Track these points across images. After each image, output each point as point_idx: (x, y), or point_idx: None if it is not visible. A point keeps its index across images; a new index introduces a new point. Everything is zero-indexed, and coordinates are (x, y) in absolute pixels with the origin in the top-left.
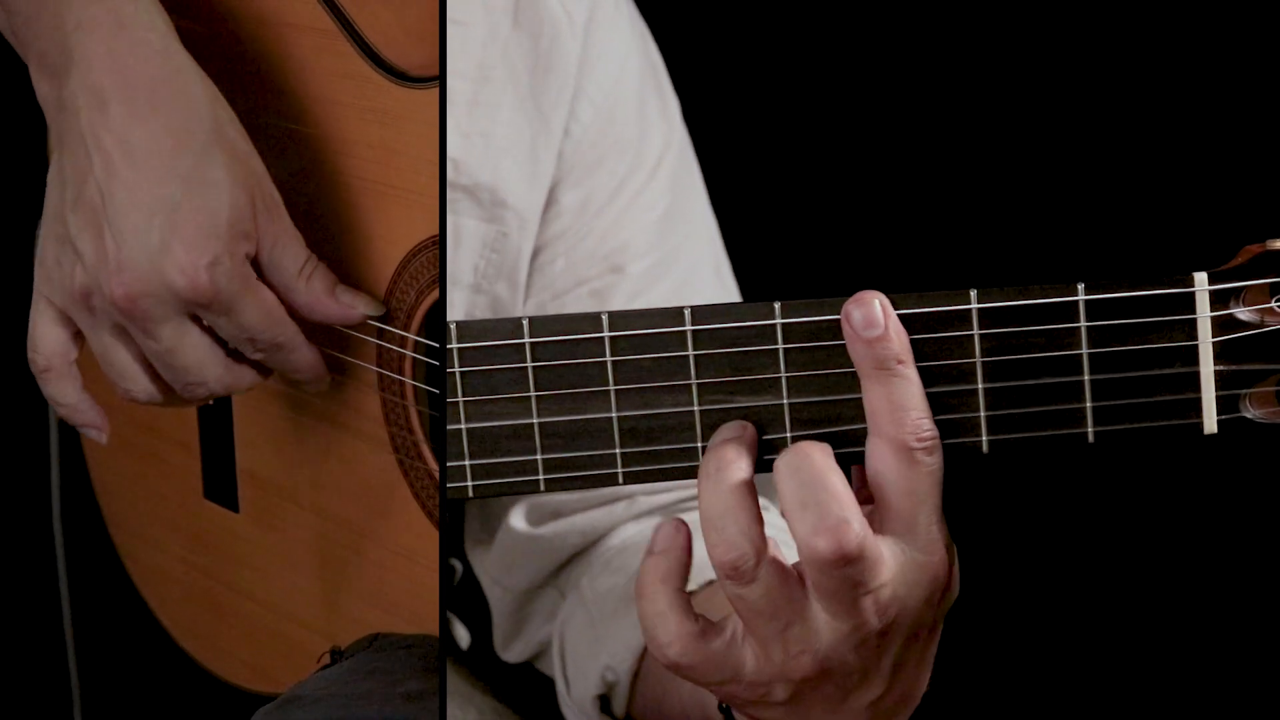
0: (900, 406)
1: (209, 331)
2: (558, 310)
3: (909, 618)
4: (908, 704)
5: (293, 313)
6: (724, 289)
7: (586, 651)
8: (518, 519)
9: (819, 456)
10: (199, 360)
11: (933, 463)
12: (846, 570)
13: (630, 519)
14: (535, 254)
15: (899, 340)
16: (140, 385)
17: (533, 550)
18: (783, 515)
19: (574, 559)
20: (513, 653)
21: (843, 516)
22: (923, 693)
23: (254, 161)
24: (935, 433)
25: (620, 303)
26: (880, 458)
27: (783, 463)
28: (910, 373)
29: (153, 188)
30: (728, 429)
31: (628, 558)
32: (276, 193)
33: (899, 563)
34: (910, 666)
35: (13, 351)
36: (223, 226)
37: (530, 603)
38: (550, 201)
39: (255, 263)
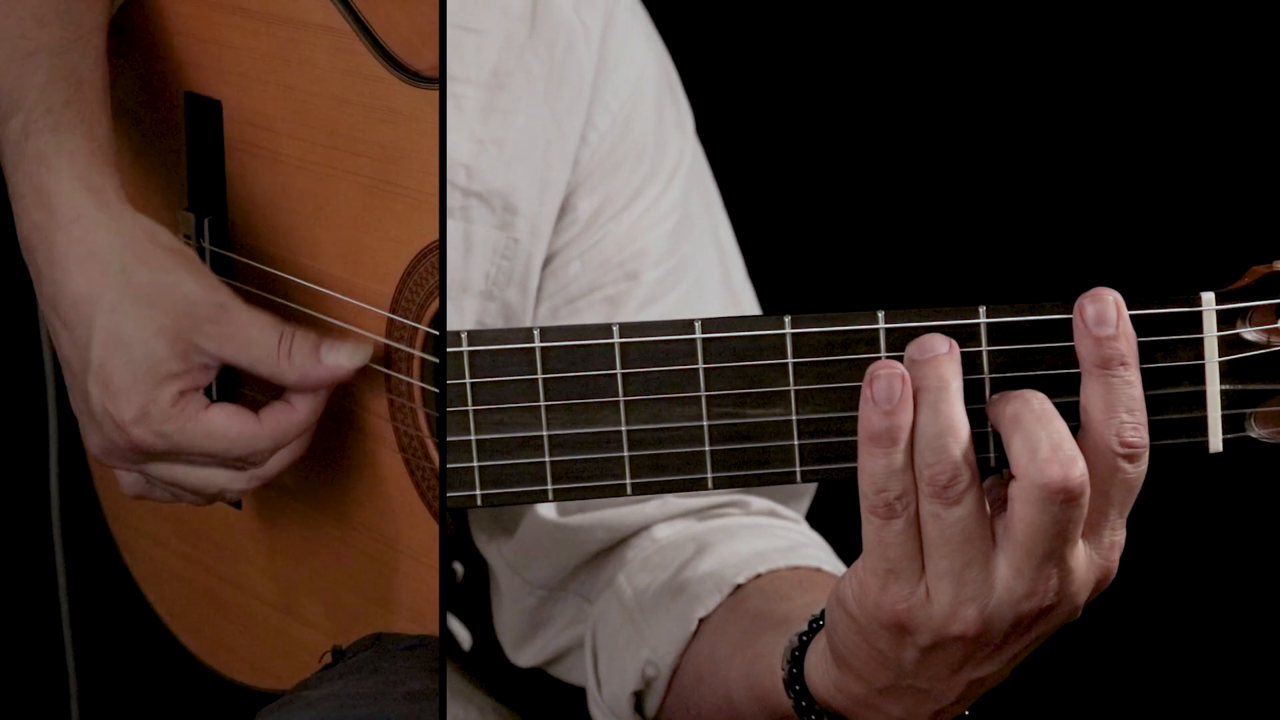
0: (1113, 407)
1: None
2: (571, 314)
3: (1066, 611)
4: (984, 689)
5: (292, 389)
6: (732, 299)
7: (625, 646)
8: (546, 509)
9: (1048, 401)
10: (203, 478)
11: (1132, 471)
12: (1061, 509)
13: (662, 520)
14: (550, 259)
15: (1127, 342)
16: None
17: (558, 540)
18: (1007, 451)
19: (597, 559)
20: (525, 656)
21: (1073, 454)
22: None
23: (176, 289)
24: (1145, 441)
25: (633, 309)
26: (1084, 455)
27: (1010, 403)
28: (1132, 376)
29: (80, 354)
30: (933, 342)
31: (667, 555)
32: (221, 295)
33: (1083, 557)
34: (1021, 656)
35: (11, 347)
36: (141, 378)
37: (549, 606)
38: (567, 208)
39: (228, 368)
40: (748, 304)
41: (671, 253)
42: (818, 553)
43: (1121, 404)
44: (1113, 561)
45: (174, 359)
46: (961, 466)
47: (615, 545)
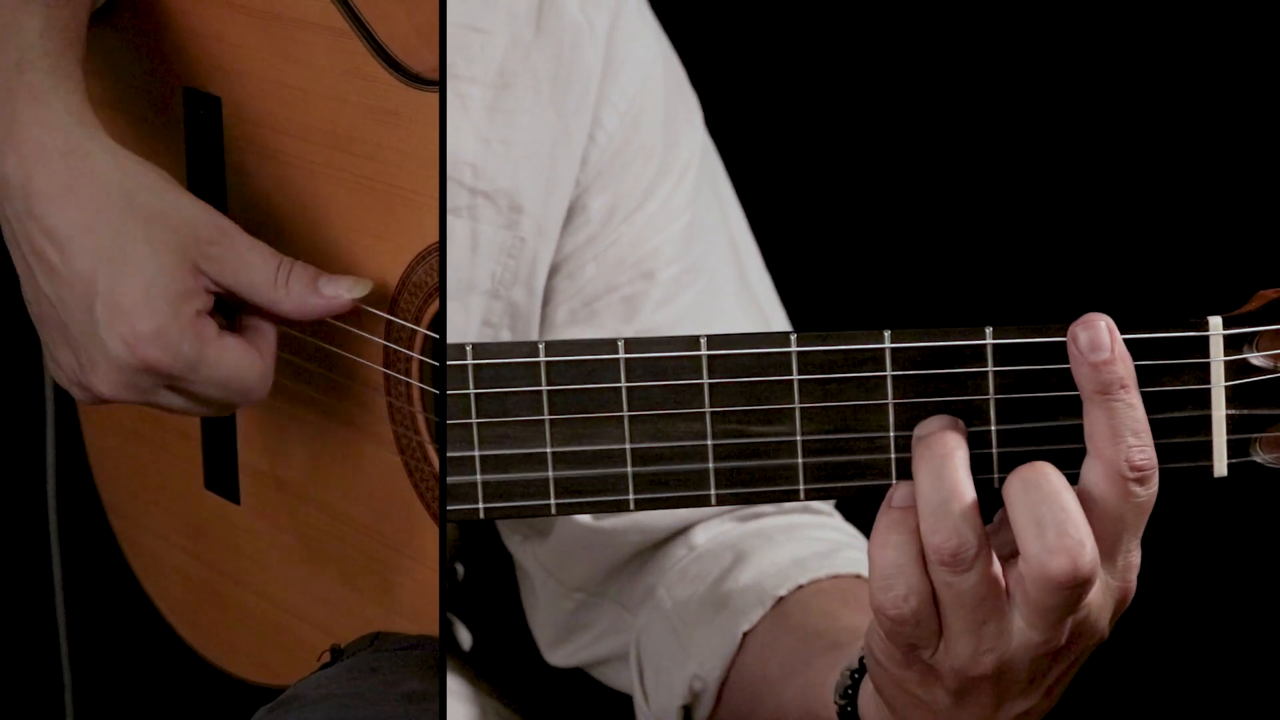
0: (1118, 432)
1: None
2: (588, 316)
3: (1092, 639)
4: (1040, 716)
5: (284, 322)
6: (749, 295)
7: (671, 661)
8: None
9: (1055, 476)
10: (206, 412)
11: (1144, 493)
12: (1073, 592)
13: (697, 523)
14: (564, 261)
15: (1124, 365)
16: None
17: (593, 544)
18: (1014, 531)
19: (632, 565)
20: (559, 656)
21: (1079, 538)
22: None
23: (178, 211)
24: (1153, 463)
25: (651, 308)
26: (1093, 482)
27: (1016, 479)
28: (1133, 399)
29: (84, 282)
30: (938, 419)
31: (705, 565)
32: (222, 220)
33: (1098, 587)
34: (1062, 683)
35: (8, 336)
36: (157, 296)
37: (586, 611)
38: (578, 208)
39: (230, 296)
40: (765, 299)
41: (686, 250)
42: (855, 555)
43: (1126, 428)
44: (1130, 582)
45: (189, 275)
46: (968, 536)
47: (650, 549)
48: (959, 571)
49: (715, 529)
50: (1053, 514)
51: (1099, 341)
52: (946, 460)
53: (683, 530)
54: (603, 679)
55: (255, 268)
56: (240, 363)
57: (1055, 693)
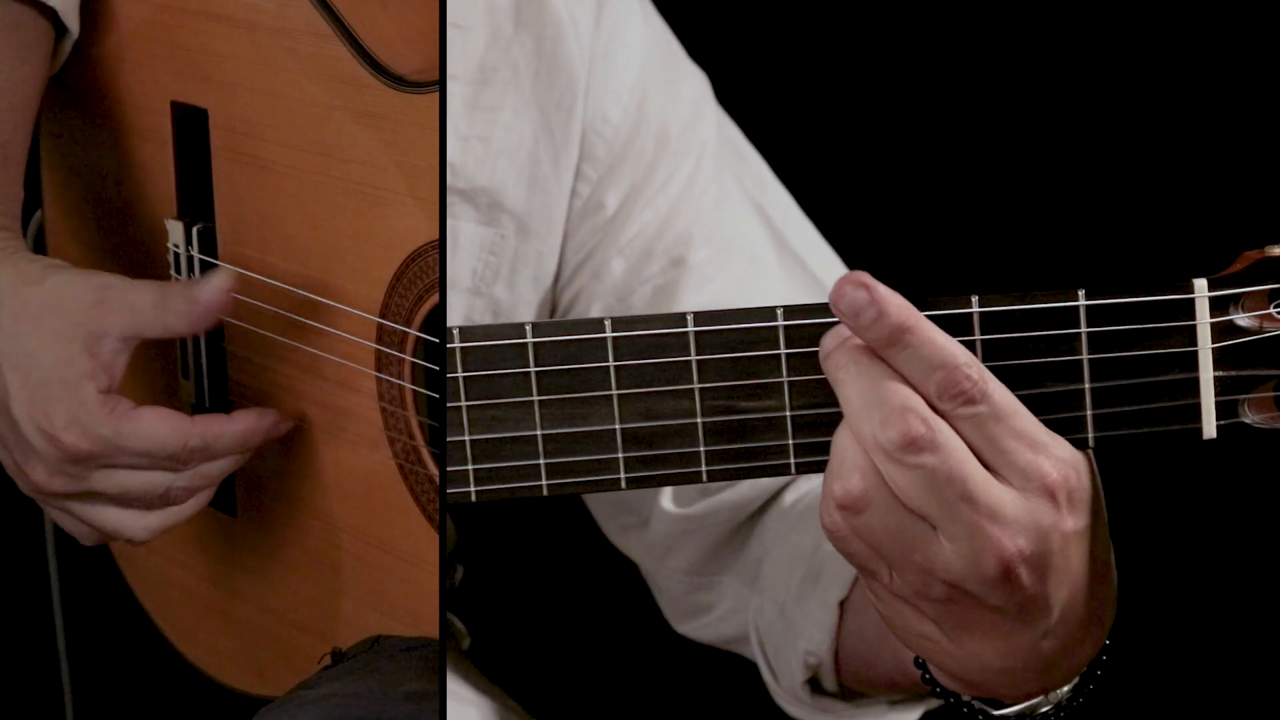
0: (931, 367)
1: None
2: (624, 311)
3: (1056, 542)
4: (1087, 639)
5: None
6: (793, 261)
7: (783, 640)
8: (667, 501)
9: (866, 357)
10: (144, 481)
11: (983, 408)
12: (922, 459)
13: (786, 487)
14: (587, 259)
15: (897, 309)
16: (133, 523)
17: (687, 530)
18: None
19: (736, 539)
20: (690, 630)
21: (905, 404)
22: (1098, 644)
23: (60, 293)
24: (984, 375)
25: (688, 293)
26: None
27: (843, 373)
28: (928, 333)
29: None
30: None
31: (799, 536)
32: (100, 278)
33: (1019, 503)
34: (1075, 613)
35: None
36: (60, 385)
37: (703, 593)
38: (595, 205)
39: (131, 340)
40: (812, 256)
41: (717, 229)
42: None
43: (937, 359)
44: (1047, 473)
45: (83, 356)
46: (852, 478)
47: (746, 522)
48: (856, 514)
49: (803, 488)
50: (876, 393)
51: (856, 302)
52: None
53: (773, 498)
54: (746, 654)
55: (138, 307)
56: (158, 429)
57: (1073, 623)
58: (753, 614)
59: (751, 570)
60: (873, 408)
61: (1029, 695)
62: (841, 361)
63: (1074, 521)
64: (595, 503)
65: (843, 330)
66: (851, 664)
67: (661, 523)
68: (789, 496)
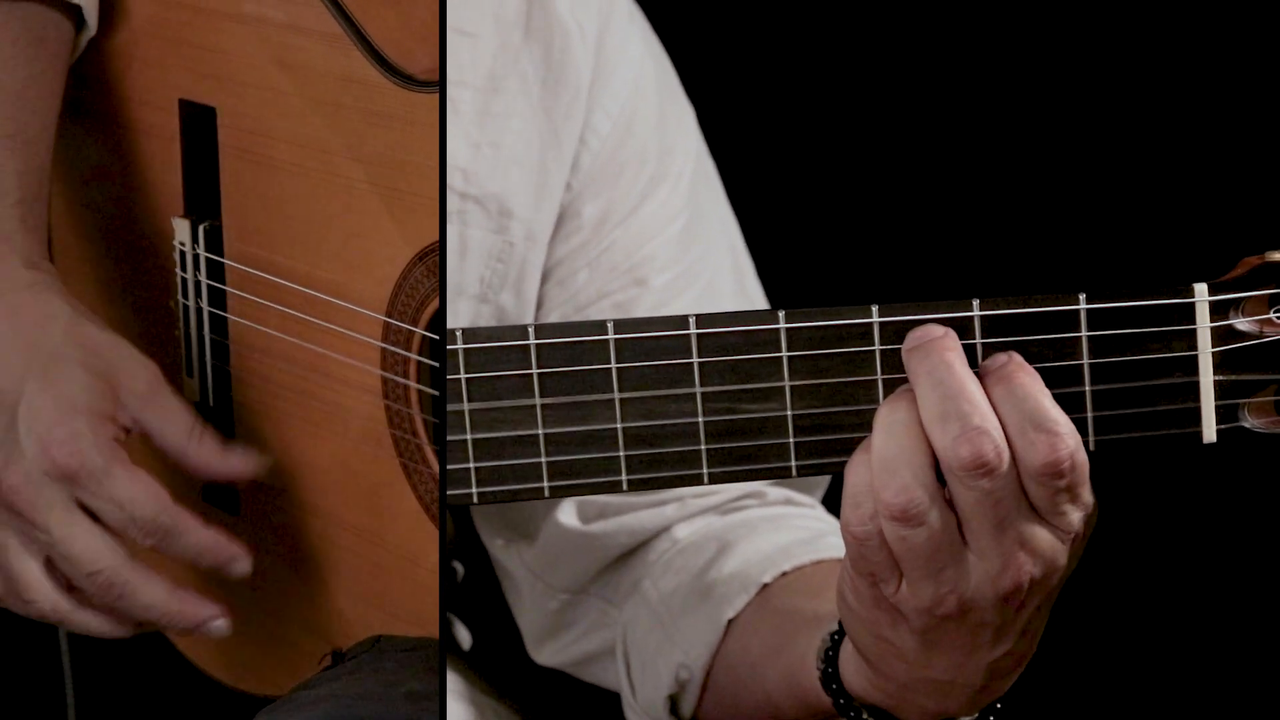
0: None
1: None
2: None
3: (1056, 575)
4: (1018, 667)
5: (191, 472)
6: (747, 300)
7: (656, 650)
8: (568, 516)
9: (959, 365)
10: (92, 547)
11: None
12: (981, 483)
13: (681, 520)
14: (556, 267)
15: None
16: (43, 593)
17: (581, 547)
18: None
19: (618, 564)
20: (545, 654)
21: (982, 426)
22: (1011, 681)
23: (119, 352)
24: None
25: (642, 315)
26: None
27: (923, 371)
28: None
29: (9, 392)
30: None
31: (689, 556)
32: (153, 372)
33: (1049, 541)
34: (1036, 624)
35: None
36: (80, 405)
37: (571, 610)
38: (570, 215)
39: (142, 438)
40: (761, 305)
41: (680, 257)
42: (839, 541)
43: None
44: (1079, 528)
45: (110, 403)
46: (918, 493)
47: (637, 548)
48: (911, 526)
49: (699, 523)
50: (956, 406)
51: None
52: (896, 414)
53: (667, 528)
54: (590, 678)
55: (174, 419)
56: (144, 493)
57: (1033, 633)
58: (623, 626)
59: (625, 589)
60: (951, 420)
61: (930, 716)
62: (927, 365)
63: (1071, 562)
64: (478, 515)
65: (933, 329)
66: (721, 684)
67: (554, 538)
68: (682, 530)
